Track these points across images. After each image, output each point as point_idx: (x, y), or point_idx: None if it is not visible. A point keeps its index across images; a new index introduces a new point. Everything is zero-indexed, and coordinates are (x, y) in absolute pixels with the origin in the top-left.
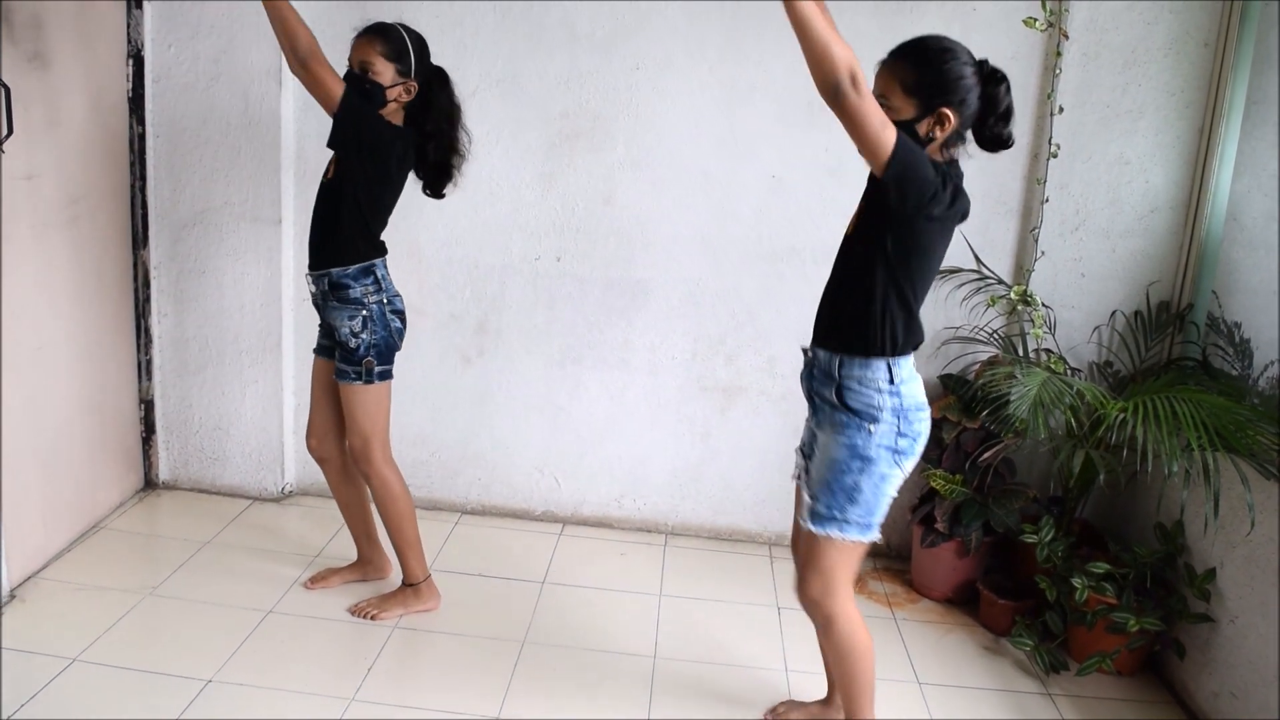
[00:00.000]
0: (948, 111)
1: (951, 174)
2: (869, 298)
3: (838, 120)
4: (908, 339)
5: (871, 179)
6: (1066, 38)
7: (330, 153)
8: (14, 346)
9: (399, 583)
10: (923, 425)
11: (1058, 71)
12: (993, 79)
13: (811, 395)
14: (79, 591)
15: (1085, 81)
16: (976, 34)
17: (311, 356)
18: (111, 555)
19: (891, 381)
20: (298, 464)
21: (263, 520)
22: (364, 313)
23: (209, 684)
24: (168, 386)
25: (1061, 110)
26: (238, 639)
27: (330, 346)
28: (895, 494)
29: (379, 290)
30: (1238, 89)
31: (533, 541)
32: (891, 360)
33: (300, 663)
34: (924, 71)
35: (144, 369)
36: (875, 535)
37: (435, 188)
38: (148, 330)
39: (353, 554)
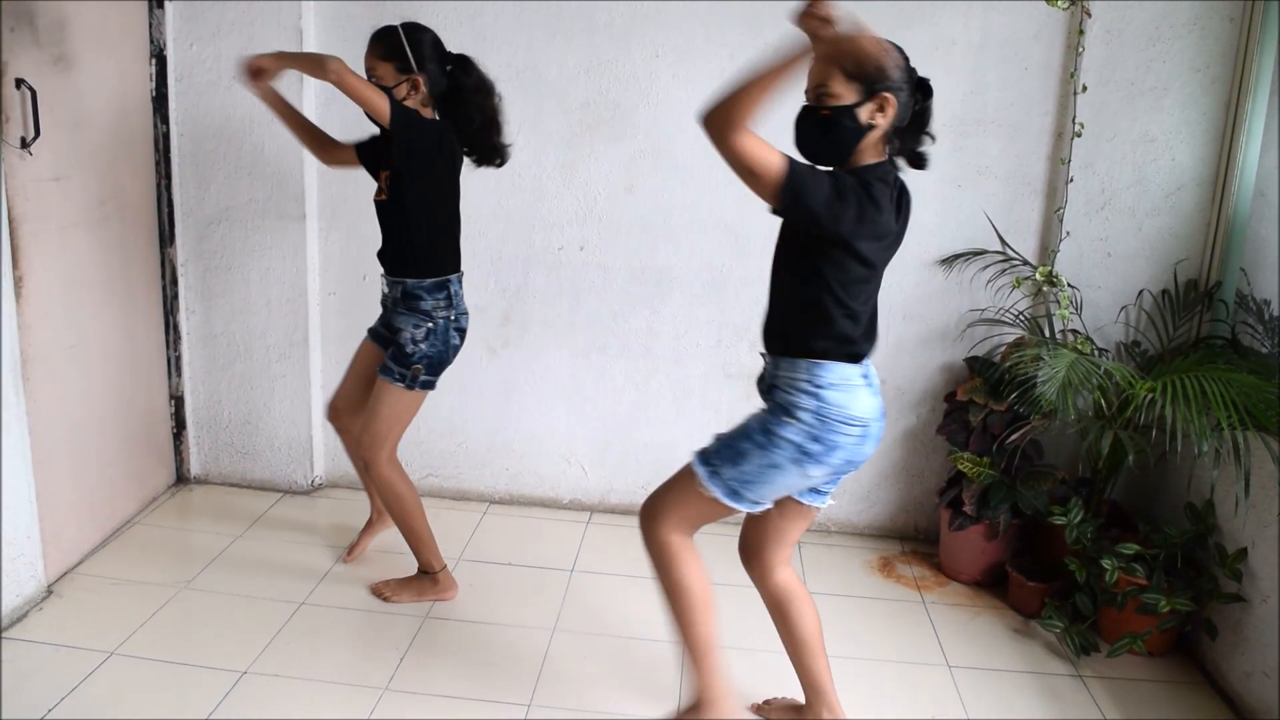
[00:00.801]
0: (889, 96)
1: (872, 176)
2: (789, 303)
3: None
4: (837, 346)
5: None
6: (1089, 15)
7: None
8: (46, 346)
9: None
10: (847, 440)
11: (1080, 50)
12: (923, 88)
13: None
14: (115, 586)
15: (1109, 59)
16: (998, 14)
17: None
18: (146, 550)
19: (814, 384)
20: (327, 457)
21: (293, 513)
22: (429, 324)
23: (244, 675)
24: (197, 382)
25: (1085, 89)
26: (271, 631)
27: (385, 337)
28: (786, 490)
29: (449, 306)
30: (1263, 64)
31: (561, 530)
32: (814, 363)
33: (333, 653)
34: (867, 59)
35: (173, 365)
36: (740, 507)
37: (491, 161)
38: (176, 327)
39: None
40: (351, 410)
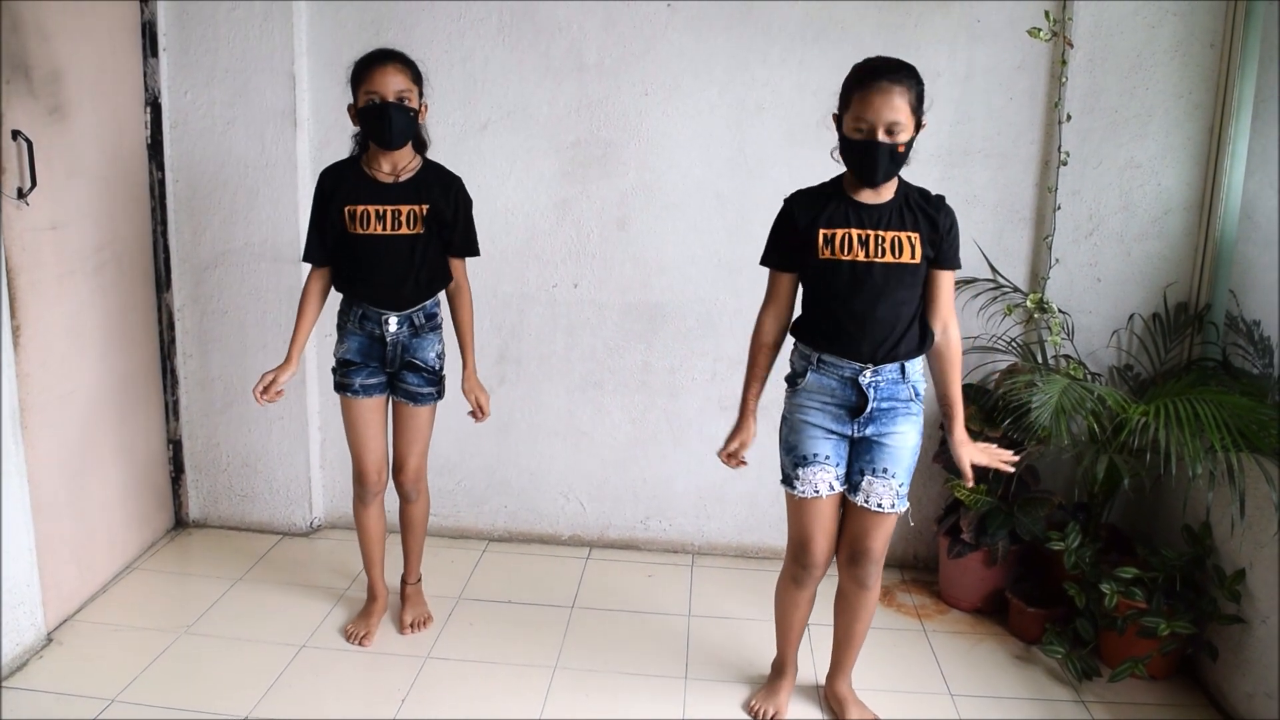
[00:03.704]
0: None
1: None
2: (915, 313)
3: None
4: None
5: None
6: (1071, 45)
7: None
8: (44, 393)
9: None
10: None
11: (1064, 80)
12: None
13: (860, 403)
14: (115, 632)
15: (1092, 88)
16: (981, 45)
17: (341, 399)
18: (146, 595)
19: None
20: (325, 498)
21: (293, 555)
22: (441, 332)
23: None
24: (195, 426)
25: (1070, 118)
26: (273, 674)
27: (384, 383)
28: None
29: (441, 311)
30: (1245, 88)
31: (560, 566)
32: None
33: (335, 696)
34: (921, 88)
35: (171, 409)
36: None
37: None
38: (173, 371)
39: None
40: (386, 468)
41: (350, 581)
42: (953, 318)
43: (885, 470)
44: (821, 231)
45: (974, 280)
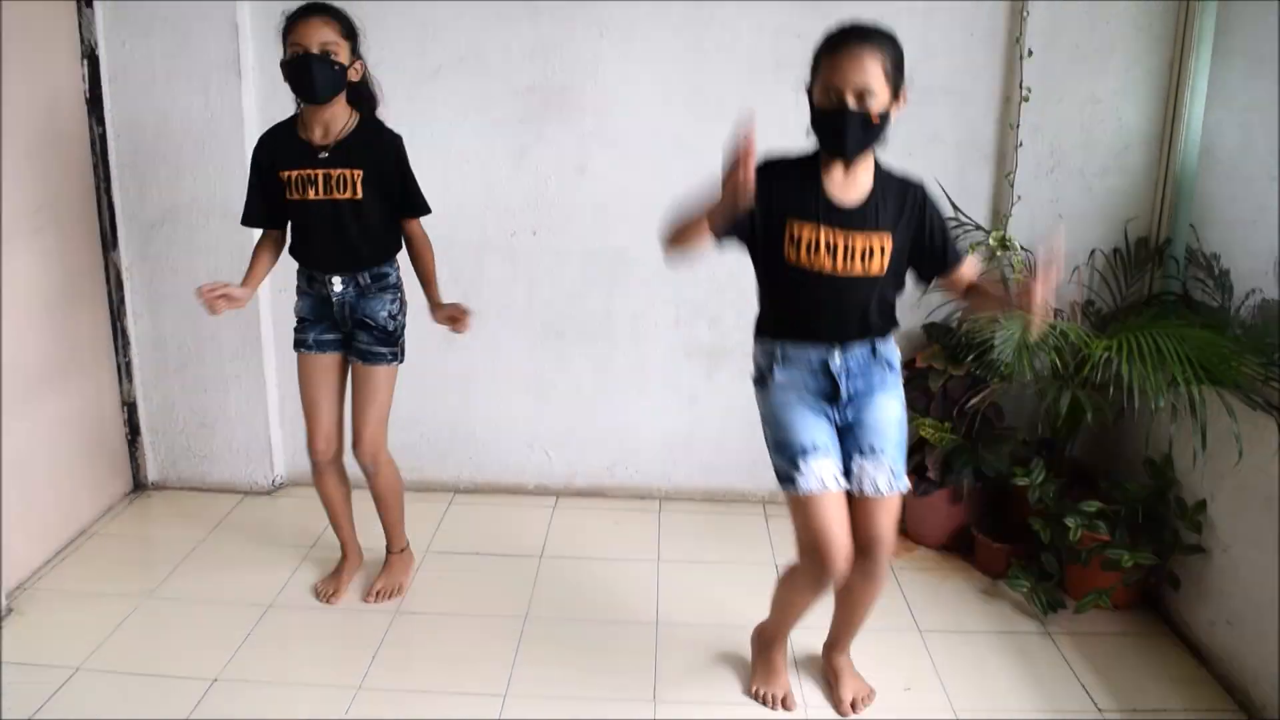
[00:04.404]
0: (904, 90)
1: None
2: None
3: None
4: None
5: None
6: None
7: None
8: None
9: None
10: None
11: (1025, 14)
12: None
13: (832, 389)
14: (76, 599)
15: (1053, 22)
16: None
17: (297, 355)
18: (105, 560)
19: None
20: (287, 456)
21: (255, 514)
22: (400, 294)
23: (215, 683)
24: (149, 387)
25: (1031, 53)
26: (240, 636)
27: (339, 340)
28: None
29: (399, 272)
30: (1205, 20)
31: (528, 516)
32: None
33: (304, 655)
34: (898, 54)
35: (124, 371)
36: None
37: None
38: (124, 332)
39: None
40: (337, 434)
41: (315, 539)
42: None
43: (873, 448)
44: (791, 224)
45: None
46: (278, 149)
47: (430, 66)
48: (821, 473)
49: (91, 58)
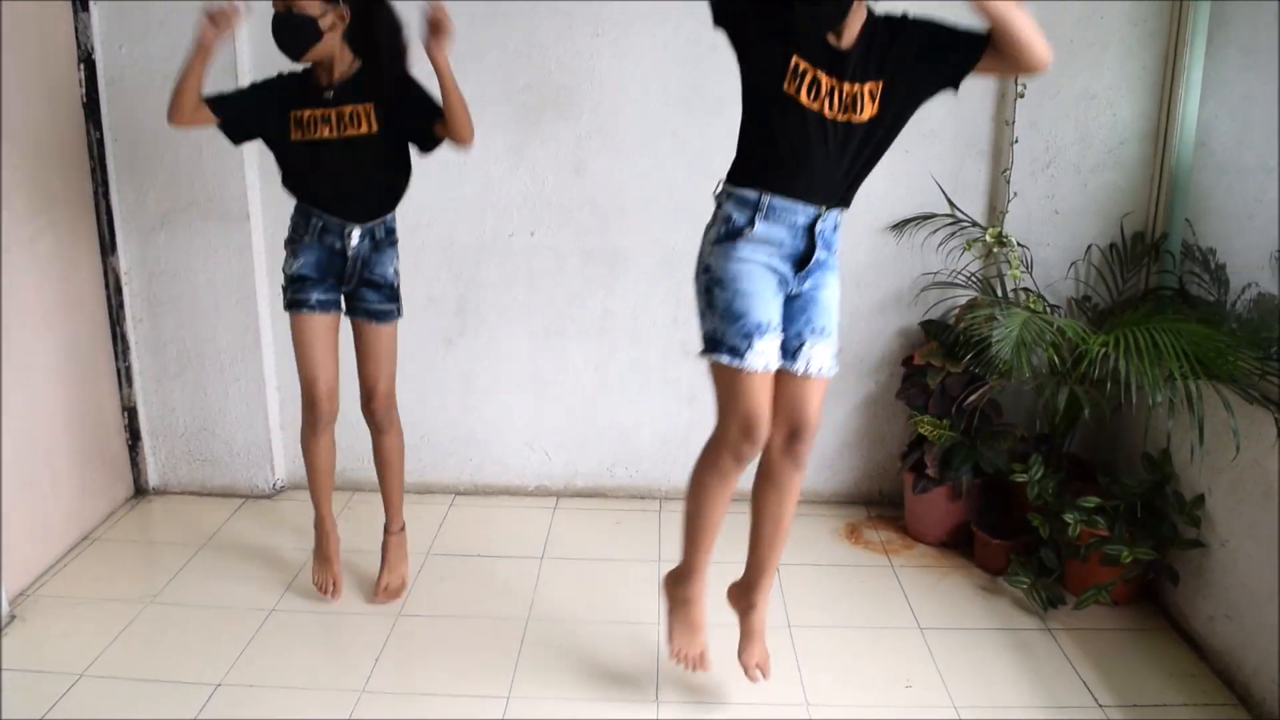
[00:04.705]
0: None
1: None
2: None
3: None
4: None
5: (924, 73)
6: None
7: None
8: None
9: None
10: None
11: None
12: None
13: (807, 252)
14: (79, 605)
15: (1048, 17)
16: None
17: (292, 317)
18: (108, 566)
19: None
20: (287, 459)
21: (257, 518)
22: (397, 249)
23: (218, 688)
24: (149, 392)
25: None
26: (243, 640)
27: (337, 301)
28: None
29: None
30: (1200, 14)
31: (528, 517)
32: None
33: (307, 659)
34: None
35: (124, 376)
36: None
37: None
38: (124, 337)
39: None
40: (337, 392)
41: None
42: None
43: (825, 329)
44: (796, 59)
45: (933, 216)
46: (288, 89)
47: (426, 67)
48: (767, 353)
49: (88, 62)
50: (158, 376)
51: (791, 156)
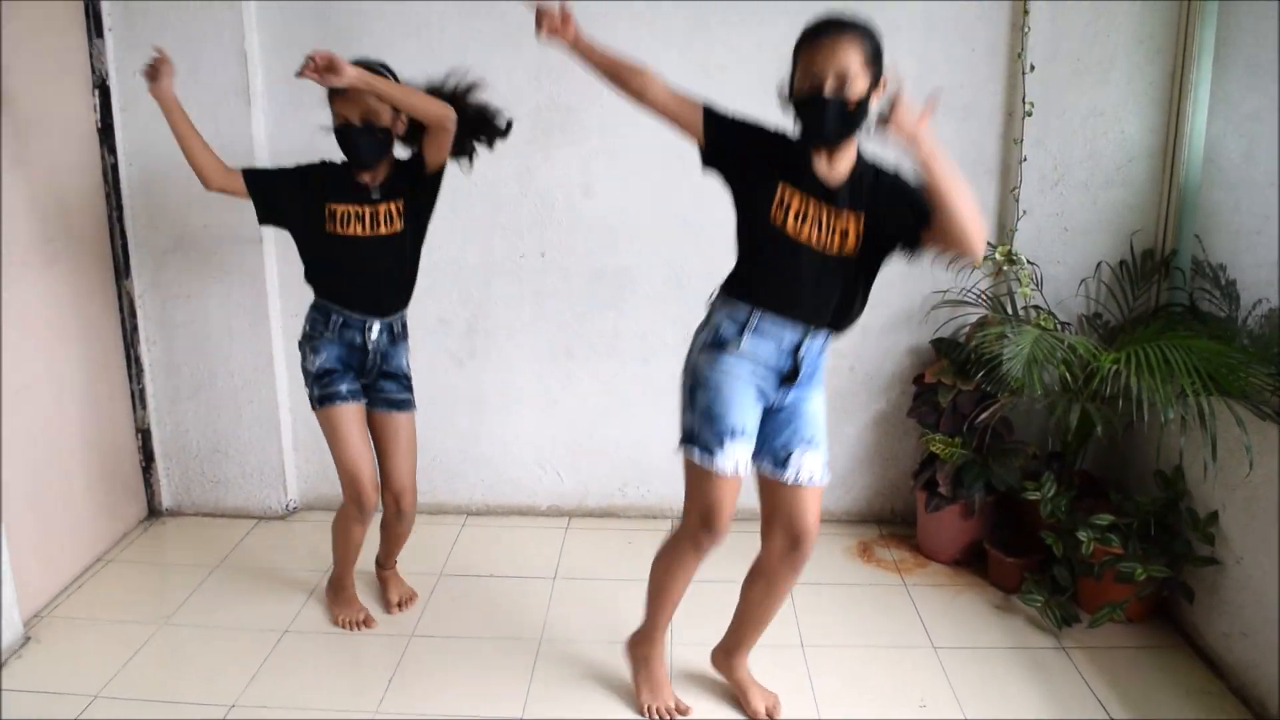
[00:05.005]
0: (884, 79)
1: None
2: (863, 288)
3: None
4: None
5: (881, 213)
6: None
7: None
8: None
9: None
10: None
11: (1026, 30)
12: None
13: (792, 371)
14: (93, 626)
15: (1054, 37)
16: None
17: (327, 411)
18: (121, 587)
19: None
20: (300, 480)
21: (270, 539)
22: (409, 341)
23: (232, 709)
24: (163, 414)
25: (1033, 68)
26: (256, 661)
27: (360, 391)
28: None
29: None
30: (1206, 31)
31: (540, 537)
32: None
33: (321, 680)
34: (876, 44)
35: (138, 398)
36: None
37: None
38: (138, 359)
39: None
40: (377, 480)
41: (329, 563)
42: None
43: (813, 440)
44: (784, 188)
45: None
46: (330, 180)
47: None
48: (738, 458)
49: (103, 88)
50: (171, 398)
51: (779, 281)
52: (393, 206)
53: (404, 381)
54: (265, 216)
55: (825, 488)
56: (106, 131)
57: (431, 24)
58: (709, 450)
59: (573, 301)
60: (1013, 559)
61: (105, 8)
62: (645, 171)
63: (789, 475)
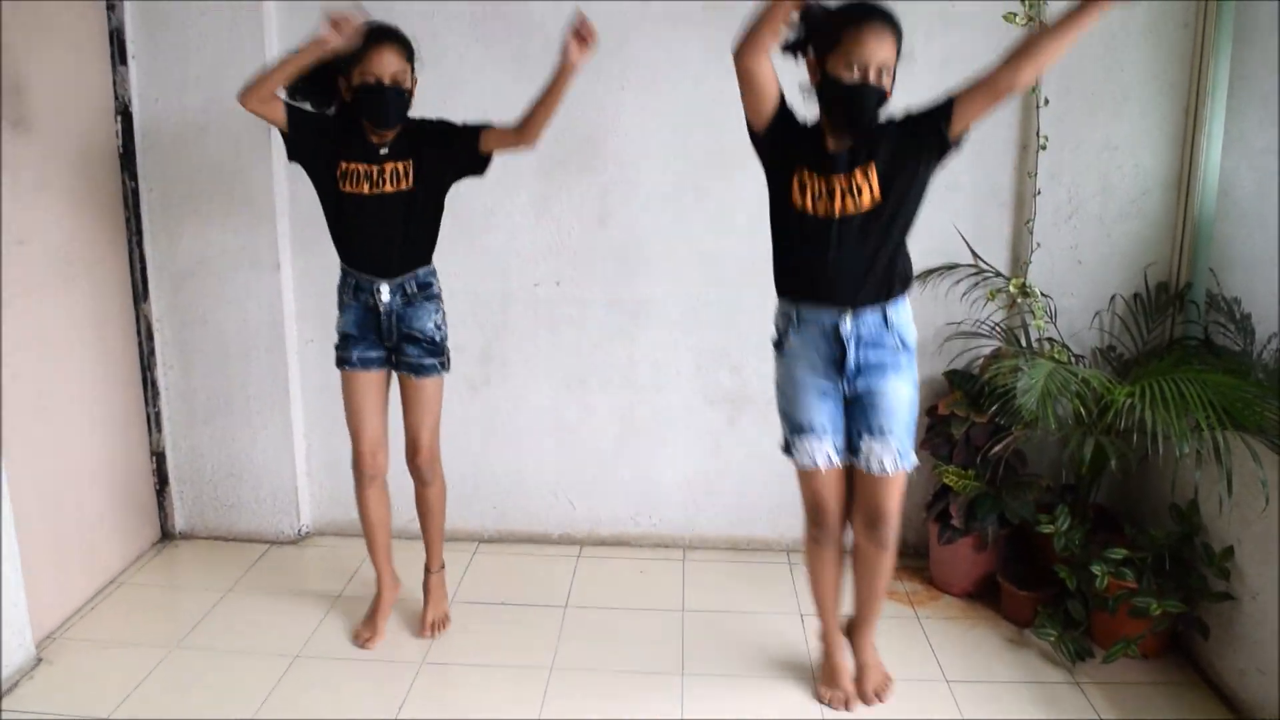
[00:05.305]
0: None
1: None
2: (903, 249)
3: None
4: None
5: (913, 147)
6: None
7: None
8: (17, 411)
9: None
10: None
11: None
12: None
13: (841, 356)
14: (105, 649)
15: (1068, 70)
16: (956, 31)
17: (340, 373)
18: (134, 610)
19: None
20: (313, 505)
21: (282, 564)
22: (442, 305)
23: None
24: (178, 437)
25: (1047, 102)
26: (268, 686)
27: (383, 357)
28: None
29: (439, 283)
30: (1220, 66)
31: (552, 565)
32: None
33: (332, 706)
34: (902, 42)
35: (153, 421)
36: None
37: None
38: (154, 383)
39: (365, 588)
40: (384, 448)
41: (342, 587)
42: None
43: (883, 429)
44: (801, 171)
45: (956, 266)
46: (343, 136)
47: (455, 119)
48: (814, 453)
49: (125, 114)
50: (187, 422)
51: (806, 264)
52: (399, 166)
53: (426, 345)
54: (293, 152)
55: (906, 473)
56: (128, 157)
57: (449, 54)
58: (789, 449)
59: (588, 330)
60: (1026, 592)
61: (129, 35)
62: (661, 202)
63: (859, 462)
